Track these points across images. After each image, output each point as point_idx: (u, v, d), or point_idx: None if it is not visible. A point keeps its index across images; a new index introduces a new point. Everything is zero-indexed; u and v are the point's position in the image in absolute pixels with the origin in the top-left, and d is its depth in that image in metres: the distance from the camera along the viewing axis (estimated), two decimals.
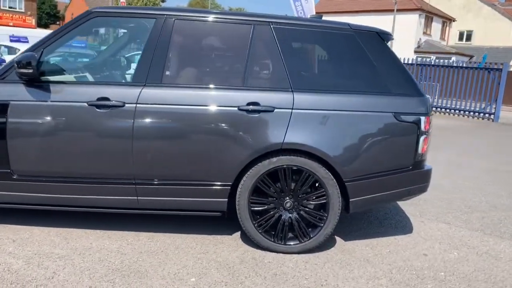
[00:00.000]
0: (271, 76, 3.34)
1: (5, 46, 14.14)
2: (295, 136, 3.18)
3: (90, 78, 3.68)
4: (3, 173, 3.24)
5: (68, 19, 53.66)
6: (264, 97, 3.20)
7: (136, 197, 3.30)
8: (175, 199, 3.30)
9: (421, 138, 3.33)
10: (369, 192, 3.33)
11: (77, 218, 3.67)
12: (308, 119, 3.21)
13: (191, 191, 3.27)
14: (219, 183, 3.25)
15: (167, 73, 3.25)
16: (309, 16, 14.83)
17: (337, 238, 3.70)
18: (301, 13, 15.35)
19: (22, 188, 3.28)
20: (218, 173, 3.23)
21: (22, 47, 15.12)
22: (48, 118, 3.19)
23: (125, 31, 4.28)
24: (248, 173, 3.24)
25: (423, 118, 3.31)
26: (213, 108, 3.18)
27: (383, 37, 3.41)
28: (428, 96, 3.49)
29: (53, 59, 3.59)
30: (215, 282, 2.87)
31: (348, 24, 3.40)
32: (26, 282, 2.73)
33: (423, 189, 3.55)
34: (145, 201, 3.31)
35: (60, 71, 3.45)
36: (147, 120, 3.17)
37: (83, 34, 3.50)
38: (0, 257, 3.02)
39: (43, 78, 3.20)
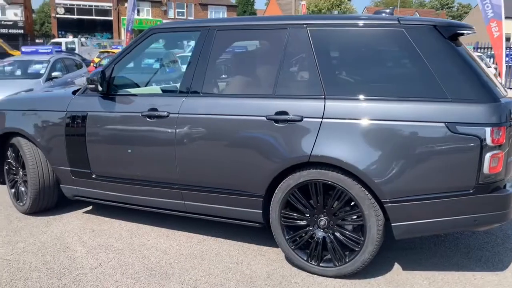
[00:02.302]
0: (304, 82, 3.09)
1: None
2: (324, 148, 2.89)
3: (152, 90, 4.01)
4: (85, 172, 3.81)
5: None
6: (293, 106, 3.00)
7: (183, 201, 3.48)
8: (215, 206, 3.36)
9: (487, 155, 2.62)
10: (417, 217, 2.80)
11: (152, 216, 4.03)
12: (340, 129, 2.87)
13: (227, 199, 3.28)
14: (251, 193, 3.18)
15: (206, 83, 3.32)
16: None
17: (395, 265, 3.22)
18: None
19: (99, 186, 3.80)
20: (249, 184, 3.17)
21: None
22: (113, 126, 3.62)
23: None
24: (280, 186, 3.09)
25: (488, 130, 2.61)
26: (241, 117, 3.13)
27: (442, 31, 2.80)
28: (506, 101, 2.73)
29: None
30: None
31: (398, 18, 2.90)
32: (74, 269, 3.18)
33: (499, 219, 2.80)
34: (191, 205, 3.46)
35: (129, 84, 3.85)
36: (186, 129, 3.30)
37: (145, 50, 3.85)
38: (73, 244, 3.58)
39: (111, 91, 3.64)
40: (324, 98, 2.94)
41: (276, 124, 3.02)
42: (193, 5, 49.30)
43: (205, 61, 3.33)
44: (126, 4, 46.30)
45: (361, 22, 3.00)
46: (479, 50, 18.67)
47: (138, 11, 48.21)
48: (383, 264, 3.21)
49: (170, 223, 3.93)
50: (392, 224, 2.85)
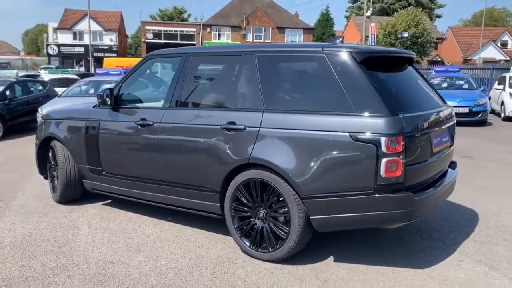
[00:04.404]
0: (250, 98, 3.72)
1: None
2: (259, 152, 3.50)
3: (149, 104, 4.84)
4: (98, 169, 4.74)
5: None
6: (240, 117, 3.66)
7: (164, 195, 4.24)
8: (188, 199, 4.07)
9: (383, 160, 3.08)
10: (330, 212, 3.30)
11: (152, 209, 4.81)
12: (271, 136, 3.48)
13: (194, 194, 3.99)
14: (209, 189, 3.86)
15: (182, 98, 4.09)
16: None
17: (329, 258, 3.69)
18: None
19: (108, 181, 4.70)
20: (207, 181, 3.85)
21: None
22: (115, 132, 4.53)
23: None
24: (231, 183, 3.74)
25: (383, 139, 3.07)
26: (204, 126, 3.85)
27: (355, 56, 3.32)
28: (402, 116, 3.15)
29: None
30: (174, 267, 3.53)
31: (322, 46, 3.47)
32: (73, 241, 4.07)
33: (403, 217, 3.21)
34: (169, 199, 4.22)
35: (132, 100, 4.73)
36: (165, 135, 4.09)
37: (144, 72, 4.72)
38: (82, 226, 4.49)
39: (119, 104, 4.55)
40: (263, 111, 3.57)
41: (227, 132, 3.70)
42: (270, 28, 51.11)
43: (182, 80, 4.12)
44: (208, 29, 49.30)
45: (294, 49, 3.62)
46: None
47: (219, 35, 51.08)
48: (317, 256, 3.70)
49: (163, 215, 4.70)
50: (310, 217, 3.37)
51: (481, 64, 34.03)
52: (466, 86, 13.92)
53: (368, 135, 3.12)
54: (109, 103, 4.52)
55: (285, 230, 3.48)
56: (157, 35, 51.43)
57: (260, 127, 3.54)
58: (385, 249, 3.88)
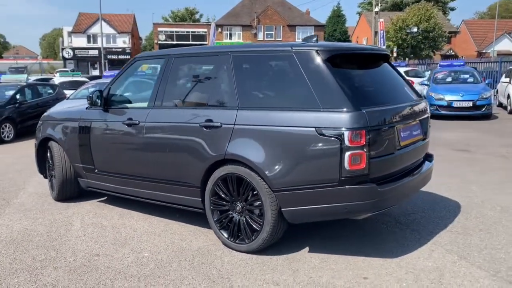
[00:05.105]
0: (226, 96, 3.88)
1: None
2: (234, 148, 3.66)
3: (136, 105, 5.03)
4: (90, 168, 4.96)
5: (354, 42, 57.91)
6: (216, 114, 3.82)
7: (150, 191, 4.43)
8: (171, 195, 4.26)
9: (347, 154, 3.21)
10: (299, 203, 3.44)
11: (144, 205, 5.01)
12: (244, 133, 3.63)
13: (178, 189, 4.17)
14: (191, 184, 4.03)
15: (165, 98, 4.27)
16: None
17: (304, 249, 3.83)
18: None
19: (100, 179, 4.92)
20: (189, 177, 4.02)
21: None
22: (105, 131, 4.74)
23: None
24: (210, 178, 3.91)
25: (346, 133, 3.20)
26: (184, 124, 4.02)
27: (322, 54, 3.45)
28: (365, 111, 3.27)
29: None
30: (155, 259, 3.72)
31: (291, 45, 3.61)
32: (64, 236, 4.28)
33: (368, 208, 3.33)
34: (154, 194, 4.40)
35: (120, 101, 4.92)
36: (149, 133, 4.28)
37: (132, 73, 4.93)
38: (75, 221, 4.71)
39: (109, 105, 4.76)
40: (237, 109, 3.73)
41: (205, 130, 3.87)
42: (281, 27, 51.15)
43: (165, 81, 4.30)
44: (219, 30, 49.52)
45: (266, 49, 3.77)
46: None
47: (230, 35, 51.33)
48: (293, 247, 3.84)
49: (152, 211, 4.89)
50: (282, 209, 3.52)
51: (494, 57, 33.57)
52: (471, 80, 13.84)
53: (332, 129, 3.25)
54: (99, 104, 4.73)
55: (260, 222, 3.64)
56: (169, 36, 52.00)
57: (234, 124, 3.69)
58: (360, 241, 4.00)
